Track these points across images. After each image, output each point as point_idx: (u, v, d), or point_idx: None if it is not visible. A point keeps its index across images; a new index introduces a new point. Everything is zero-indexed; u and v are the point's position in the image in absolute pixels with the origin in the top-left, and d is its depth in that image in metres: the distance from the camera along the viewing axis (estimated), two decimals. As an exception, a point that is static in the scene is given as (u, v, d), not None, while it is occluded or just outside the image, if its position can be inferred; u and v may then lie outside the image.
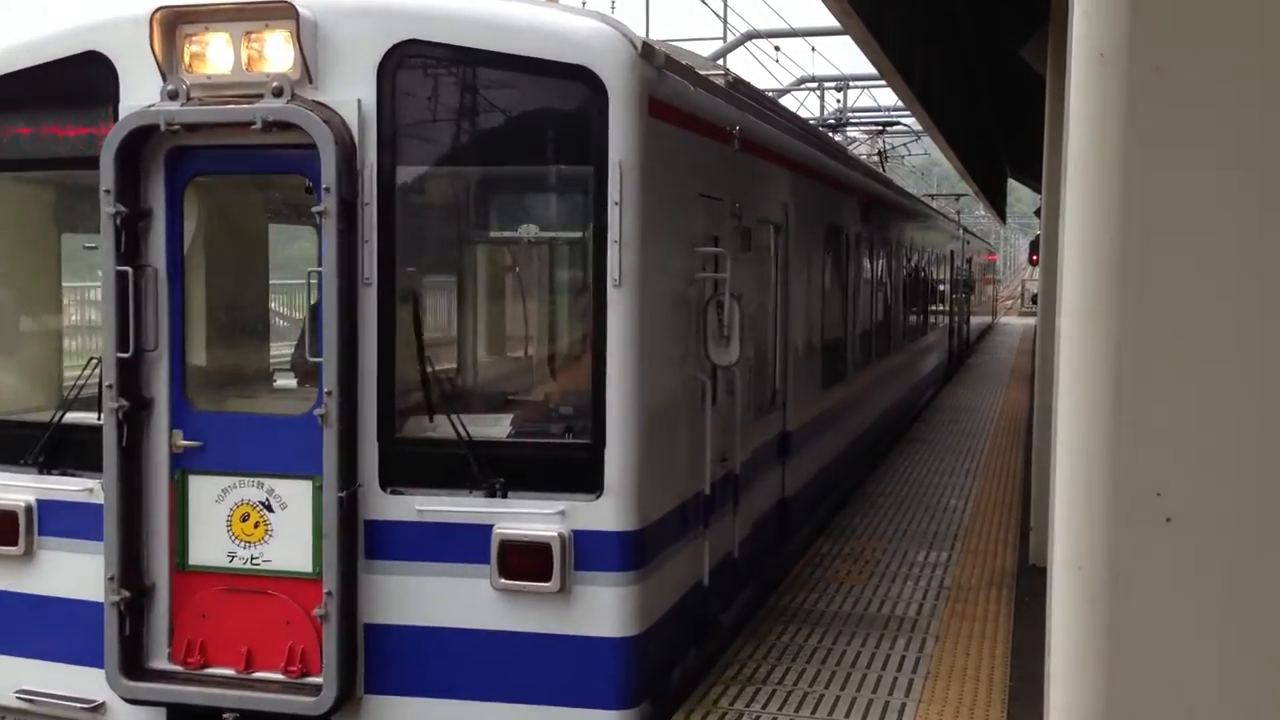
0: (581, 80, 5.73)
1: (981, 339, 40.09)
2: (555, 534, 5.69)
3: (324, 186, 5.72)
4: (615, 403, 5.74)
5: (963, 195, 48.90)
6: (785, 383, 9.22)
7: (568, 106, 5.94)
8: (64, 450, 6.35)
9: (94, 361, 6.23)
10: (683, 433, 6.63)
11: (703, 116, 6.99)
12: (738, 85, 8.91)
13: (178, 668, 6.12)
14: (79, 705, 6.28)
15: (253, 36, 5.86)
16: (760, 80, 19.78)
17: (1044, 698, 1.77)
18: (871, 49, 11.37)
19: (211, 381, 6.88)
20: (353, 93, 5.85)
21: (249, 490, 6.09)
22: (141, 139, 5.99)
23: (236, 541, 6.10)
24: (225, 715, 6.01)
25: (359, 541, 5.92)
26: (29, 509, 6.35)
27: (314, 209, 5.80)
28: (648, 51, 5.96)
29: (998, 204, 42.91)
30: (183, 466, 6.16)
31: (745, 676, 6.94)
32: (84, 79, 6.17)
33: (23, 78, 6.34)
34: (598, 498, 5.77)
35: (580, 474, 5.80)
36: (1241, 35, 1.41)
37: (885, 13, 11.55)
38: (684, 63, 7.13)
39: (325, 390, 5.81)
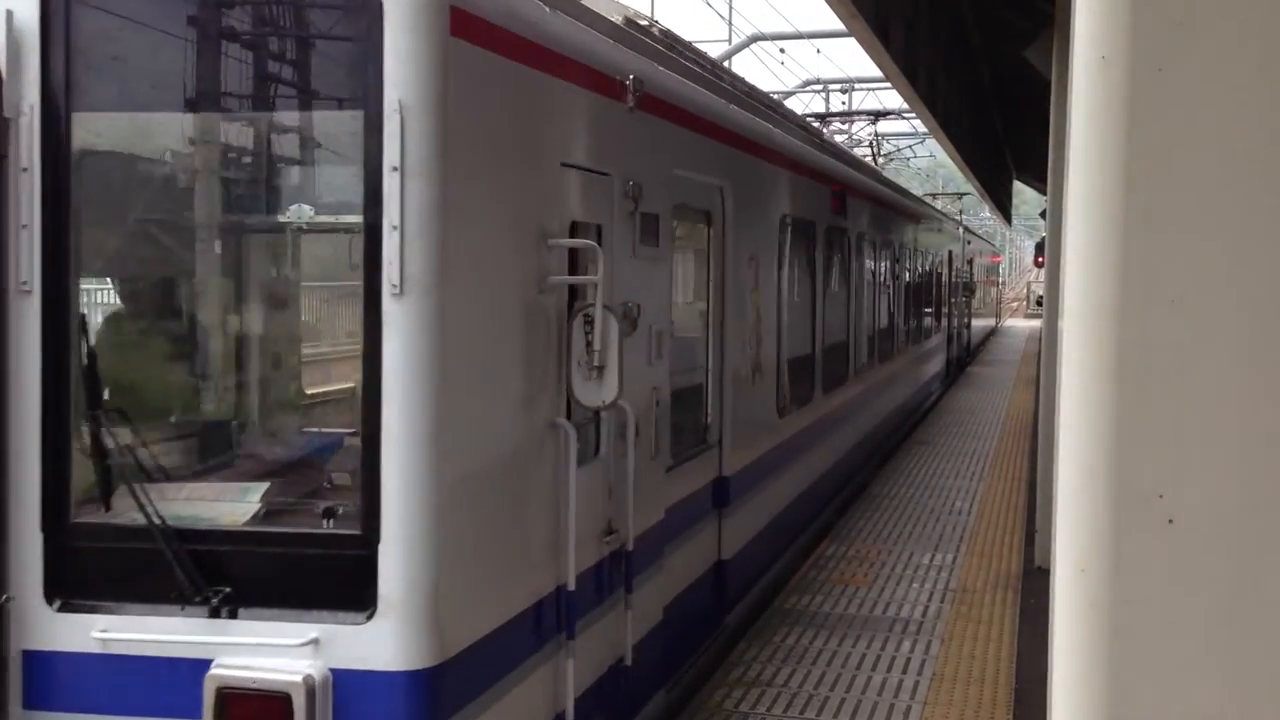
0: None
1: (984, 344, 38.64)
2: (301, 677, 3.78)
3: None
4: (394, 472, 3.82)
5: (965, 194, 48.20)
6: (721, 415, 7.53)
7: (327, 22, 4.12)
8: None
9: None
10: (527, 508, 4.66)
11: (569, 55, 5.02)
12: (646, 31, 7.11)
13: None
14: None
15: None
16: (765, 83, 19.44)
17: (1048, 700, 1.77)
18: (876, 51, 11.36)
19: None
20: None
21: None
22: None
23: None
24: None
25: (7, 684, 3.99)
26: None
27: None
28: None
29: (1003, 206, 42.89)
30: None
31: (750, 679, 6.94)
32: None
33: None
34: (369, 618, 3.84)
35: (342, 582, 3.90)
36: (1244, 36, 1.41)
37: (890, 15, 11.54)
38: None
39: None
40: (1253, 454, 1.41)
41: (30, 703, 4.00)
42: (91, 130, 4.11)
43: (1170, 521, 1.43)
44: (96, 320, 4.50)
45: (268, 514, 4.18)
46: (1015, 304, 76.09)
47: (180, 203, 4.62)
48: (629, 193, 5.67)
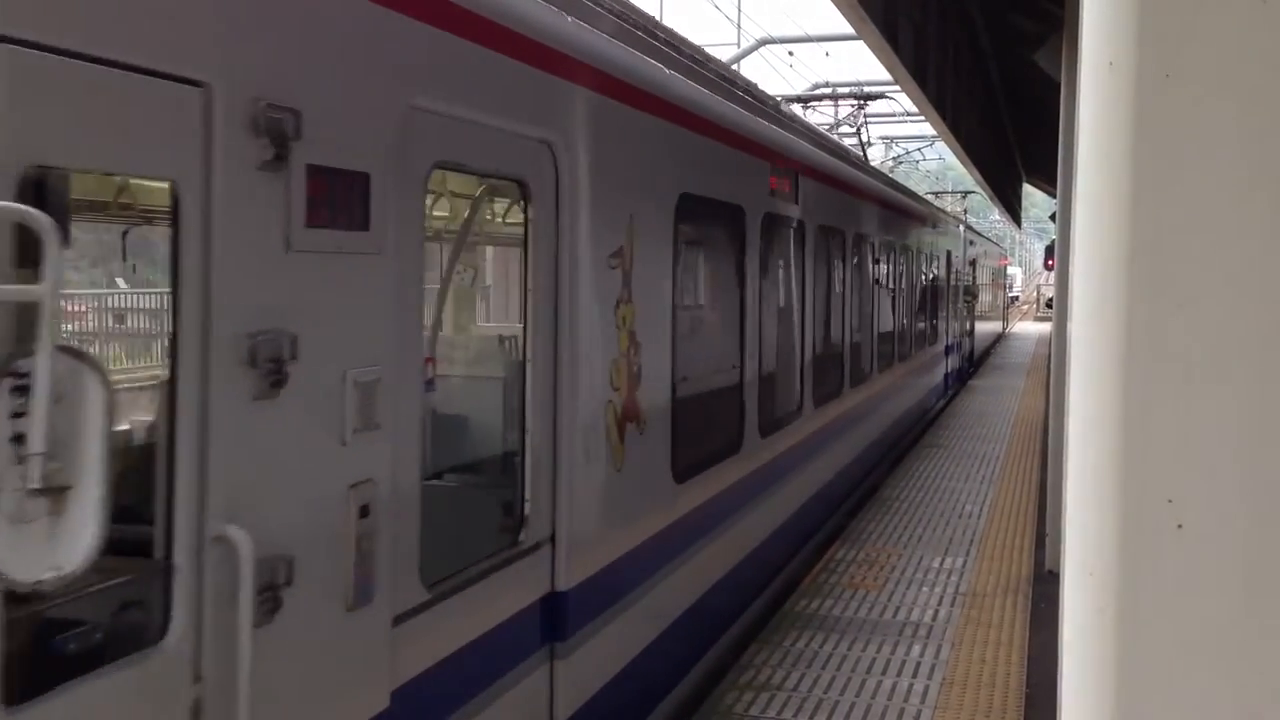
0: None
1: (990, 352, 35.53)
2: None
3: None
4: None
5: (970, 193, 46.91)
6: (557, 494, 5.05)
7: None
8: None
9: None
10: None
11: None
12: None
13: None
14: None
15: None
16: (775, 86, 19.07)
17: (1057, 704, 1.77)
18: (886, 54, 11.37)
19: None
20: None
21: None
22: None
23: None
24: None
25: None
26: None
27: None
28: None
29: (1013, 209, 42.80)
30: None
31: (760, 683, 6.93)
32: None
33: None
34: None
35: None
36: (1251, 41, 1.41)
37: (899, 19, 11.55)
38: None
39: None
40: (1263, 459, 1.42)
41: None
42: None
43: (1179, 526, 1.43)
44: None
45: None
46: (1025, 306, 75.92)
47: None
48: (260, 123, 3.16)
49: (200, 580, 3.02)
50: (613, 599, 5.66)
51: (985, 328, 35.55)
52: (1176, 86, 1.39)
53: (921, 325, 18.89)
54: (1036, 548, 10.20)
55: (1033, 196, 56.43)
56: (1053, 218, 18.46)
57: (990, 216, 79.74)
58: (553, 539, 5.05)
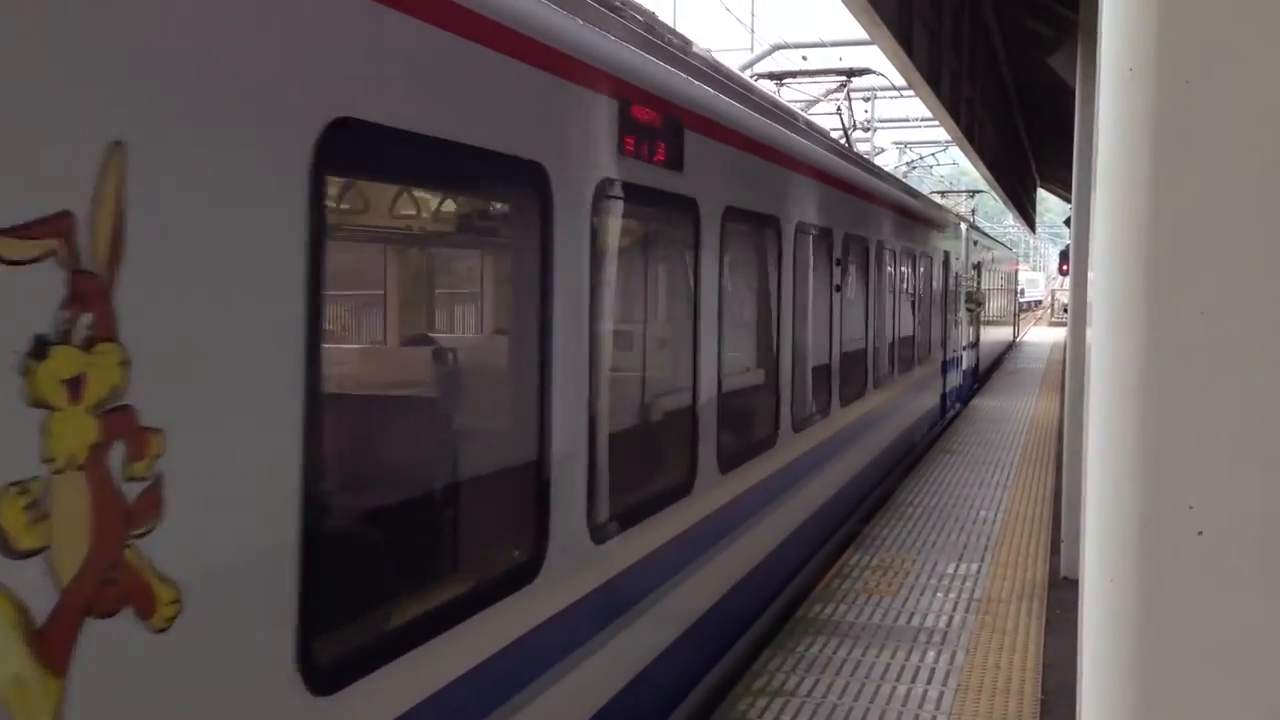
0: None
1: (998, 365, 32.02)
2: None
3: None
4: None
5: (979, 192, 42.60)
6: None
7: None
8: None
9: None
10: None
11: None
12: None
13: None
14: None
15: None
16: (786, 91, 18.30)
17: (1076, 712, 1.77)
18: (899, 59, 11.37)
19: None
20: None
21: None
22: None
23: None
24: None
25: None
26: None
27: None
28: None
29: (1027, 214, 42.63)
30: None
31: (774, 688, 6.92)
32: None
33: None
34: None
35: None
36: (1273, 49, 1.41)
37: (913, 23, 11.54)
38: None
39: None
40: (1283, 465, 1.41)
41: None
42: None
43: (1200, 533, 1.43)
44: None
45: None
46: (1040, 312, 75.69)
47: None
48: None
49: None
50: None
51: (993, 336, 31.83)
52: (1196, 93, 1.39)
53: (908, 341, 15.34)
54: (1052, 554, 10.16)
55: (1047, 201, 56.25)
56: (1067, 222, 18.33)
57: (1005, 221, 79.61)
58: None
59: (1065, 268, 18.68)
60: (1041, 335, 49.77)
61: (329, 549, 3.40)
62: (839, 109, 18.87)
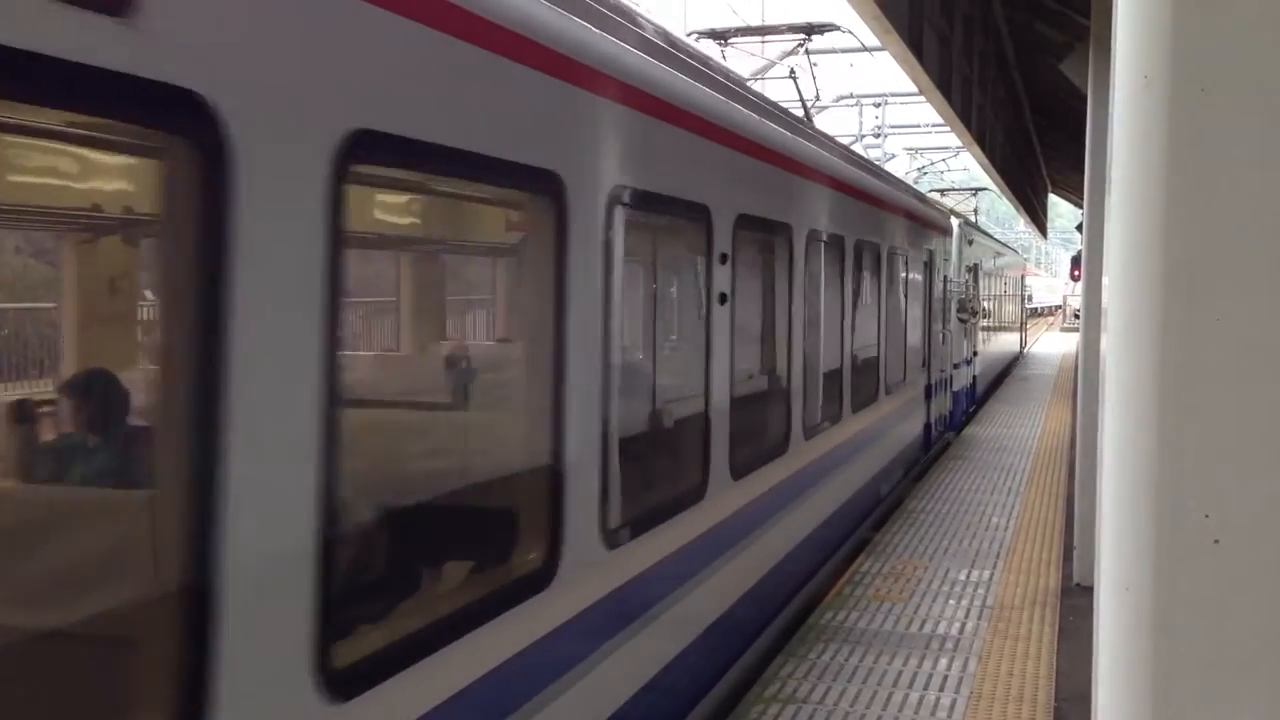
0: None
1: (1001, 381, 28.55)
2: None
3: None
4: None
5: (982, 189, 39.52)
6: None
7: None
8: None
9: None
10: None
11: None
12: None
13: None
14: None
15: None
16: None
17: (1090, 718, 1.76)
18: (910, 65, 11.38)
19: None
20: None
21: None
22: None
23: None
24: None
25: None
26: None
27: None
28: None
29: (1038, 219, 42.49)
30: None
31: (786, 695, 6.91)
32: None
33: None
34: None
35: None
36: (1287, 55, 1.41)
37: (924, 29, 11.54)
38: None
39: None
40: (1299, 473, 1.41)
41: None
42: None
43: (1216, 541, 1.43)
44: None
45: None
46: (1051, 319, 75.43)
47: None
48: None
49: None
50: None
51: (995, 349, 28.18)
52: (1212, 101, 1.39)
53: (867, 367, 11.91)
54: (1064, 560, 10.13)
55: (1058, 206, 56.18)
56: (1079, 228, 18.27)
57: (1016, 226, 79.49)
58: None
59: (1077, 273, 18.38)
60: (1052, 345, 47.24)
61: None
62: (792, 72, 14.46)
